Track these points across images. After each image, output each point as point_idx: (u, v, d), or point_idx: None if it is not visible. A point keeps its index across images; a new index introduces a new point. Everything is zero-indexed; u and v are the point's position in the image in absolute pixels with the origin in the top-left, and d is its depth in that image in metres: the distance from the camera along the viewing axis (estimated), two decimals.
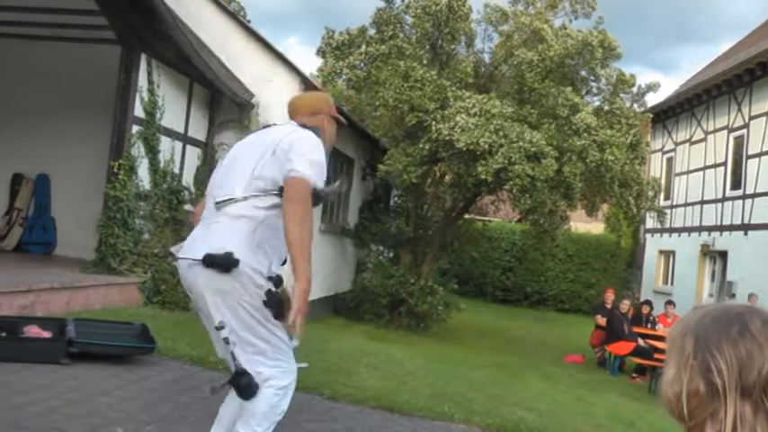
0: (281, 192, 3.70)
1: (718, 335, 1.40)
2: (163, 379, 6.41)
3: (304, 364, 4.17)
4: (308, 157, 3.71)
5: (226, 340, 3.68)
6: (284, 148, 3.73)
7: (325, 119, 4.16)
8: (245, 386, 3.73)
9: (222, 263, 3.59)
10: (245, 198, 3.71)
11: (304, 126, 3.95)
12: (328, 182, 3.92)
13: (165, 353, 7.12)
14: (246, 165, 3.81)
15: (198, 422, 5.26)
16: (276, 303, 3.70)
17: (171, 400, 5.81)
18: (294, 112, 4.20)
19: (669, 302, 16.67)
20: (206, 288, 3.68)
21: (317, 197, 3.68)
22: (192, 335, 8.28)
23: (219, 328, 3.67)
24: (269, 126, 4.20)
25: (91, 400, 5.46)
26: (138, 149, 11.24)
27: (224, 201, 3.74)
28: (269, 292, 3.68)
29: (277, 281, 3.73)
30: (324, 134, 4.04)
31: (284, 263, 3.89)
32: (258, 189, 3.73)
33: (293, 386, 3.90)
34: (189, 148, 12.76)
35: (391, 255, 17.91)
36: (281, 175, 3.69)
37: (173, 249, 4.05)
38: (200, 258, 3.62)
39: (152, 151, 11.57)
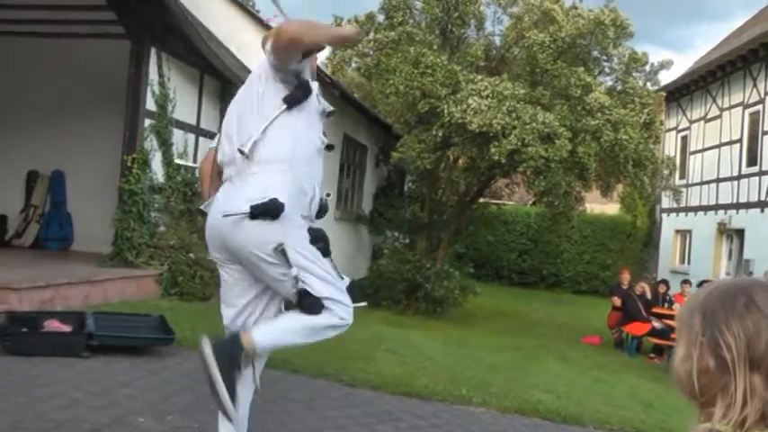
0: (287, 105, 3.66)
1: (724, 310, 1.42)
2: (182, 369, 6.46)
3: (363, 304, 4.18)
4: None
5: (295, 279, 3.66)
6: (265, 61, 3.70)
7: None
8: (311, 303, 3.71)
9: (270, 210, 3.54)
10: (264, 132, 3.63)
11: None
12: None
13: (183, 343, 7.16)
14: (248, 104, 3.75)
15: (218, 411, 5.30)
16: (322, 237, 3.76)
17: (191, 389, 5.85)
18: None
19: (685, 282, 16.60)
20: (254, 240, 3.61)
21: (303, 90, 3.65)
22: (211, 325, 8.32)
23: (279, 249, 3.60)
24: None
25: (112, 392, 5.51)
26: (151, 143, 11.28)
27: (245, 150, 3.62)
28: (311, 230, 3.73)
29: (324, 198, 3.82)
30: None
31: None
32: (266, 116, 3.66)
33: (346, 324, 3.84)
34: (201, 139, 12.79)
35: (407, 240, 17.92)
36: (275, 90, 3.66)
37: (203, 207, 3.96)
38: (246, 210, 3.54)
39: (165, 144, 11.62)
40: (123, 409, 5.13)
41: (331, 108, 3.94)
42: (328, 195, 4.13)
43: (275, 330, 3.78)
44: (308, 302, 3.73)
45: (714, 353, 1.40)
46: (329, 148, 3.96)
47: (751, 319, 1.39)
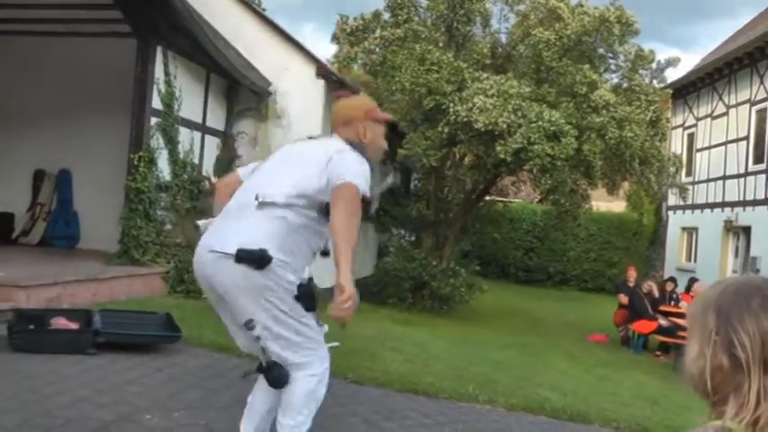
0: (320, 210, 3.74)
1: (739, 309, 1.41)
2: (189, 366, 6.48)
3: (335, 343, 4.22)
4: (354, 169, 3.69)
5: (257, 338, 3.73)
6: (331, 169, 3.71)
7: (360, 125, 4.07)
8: (277, 377, 3.83)
9: (256, 259, 3.56)
10: (286, 206, 3.70)
11: (350, 143, 3.94)
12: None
13: (190, 341, 7.18)
14: (292, 175, 3.79)
15: (225, 408, 5.31)
16: (309, 296, 3.77)
17: (198, 386, 5.87)
18: (333, 121, 4.20)
19: (693, 279, 16.59)
20: (234, 284, 3.64)
21: (365, 205, 3.67)
22: (217, 322, 8.34)
23: (250, 326, 3.69)
24: (313, 138, 4.20)
25: (118, 389, 5.53)
26: (157, 141, 11.31)
27: (265, 202, 3.68)
28: (300, 286, 3.74)
29: (308, 279, 3.84)
30: (362, 144, 4.01)
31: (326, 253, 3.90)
32: (299, 203, 3.73)
33: (327, 371, 3.96)
34: (208, 137, 12.82)
35: (413, 238, 17.91)
36: (325, 193, 3.69)
37: (200, 223, 4.02)
38: (232, 252, 3.57)
39: (171, 142, 11.65)
40: (130, 407, 5.15)
41: (387, 185, 3.99)
42: (393, 179, 4.21)
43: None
44: (273, 375, 3.85)
45: (728, 352, 1.40)
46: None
47: (766, 318, 1.39)
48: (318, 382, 3.90)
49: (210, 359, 6.86)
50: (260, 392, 4.12)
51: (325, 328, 3.99)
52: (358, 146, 3.94)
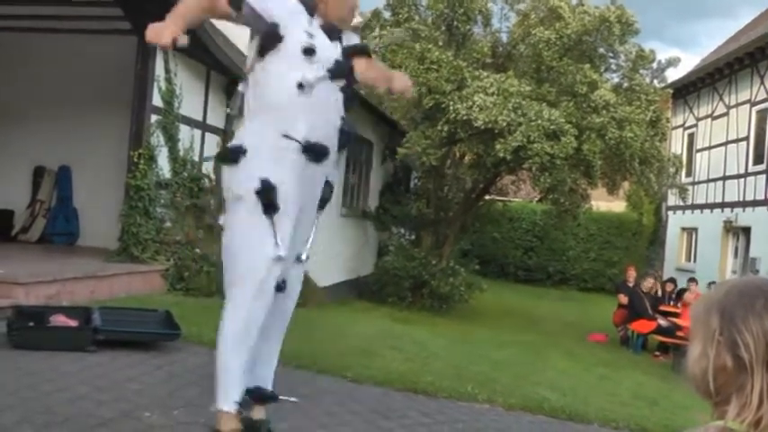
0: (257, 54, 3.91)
1: (743, 309, 1.41)
2: (188, 364, 6.47)
3: (293, 399, 4.87)
4: None
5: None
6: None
7: None
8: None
9: (225, 157, 4.01)
10: (246, 84, 4.08)
11: None
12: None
13: (189, 339, 7.17)
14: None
15: None
16: (268, 189, 3.84)
17: (197, 384, 5.86)
18: None
19: (692, 280, 16.60)
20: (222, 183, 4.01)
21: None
22: (217, 320, 8.34)
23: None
24: None
25: (118, 387, 5.52)
26: (158, 138, 11.30)
27: (236, 102, 4.13)
28: (264, 180, 3.87)
29: None
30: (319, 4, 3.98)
31: None
32: (247, 67, 4.10)
33: (256, 303, 4.00)
34: (208, 135, 12.80)
35: (413, 237, 17.94)
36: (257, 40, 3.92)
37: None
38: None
39: (171, 140, 11.63)
40: (130, 404, 5.15)
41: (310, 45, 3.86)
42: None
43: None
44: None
45: (732, 352, 1.40)
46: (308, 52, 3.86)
47: None
48: (231, 320, 4.10)
49: (210, 357, 6.80)
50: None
51: (304, 255, 4.19)
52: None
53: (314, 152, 3.80)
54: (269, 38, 3.77)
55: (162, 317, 7.40)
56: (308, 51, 3.77)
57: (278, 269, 3.79)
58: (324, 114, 3.85)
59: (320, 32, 3.91)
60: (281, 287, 3.93)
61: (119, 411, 4.97)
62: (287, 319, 4.31)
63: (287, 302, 4.17)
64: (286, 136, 3.73)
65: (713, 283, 16.15)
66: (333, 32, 3.96)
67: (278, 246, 3.71)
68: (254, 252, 3.72)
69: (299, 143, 3.75)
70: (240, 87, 3.92)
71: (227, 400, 3.95)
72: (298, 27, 3.81)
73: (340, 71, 3.89)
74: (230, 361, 3.93)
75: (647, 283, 15.47)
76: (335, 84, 3.91)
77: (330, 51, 3.90)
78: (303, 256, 4.11)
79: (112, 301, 8.74)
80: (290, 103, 3.74)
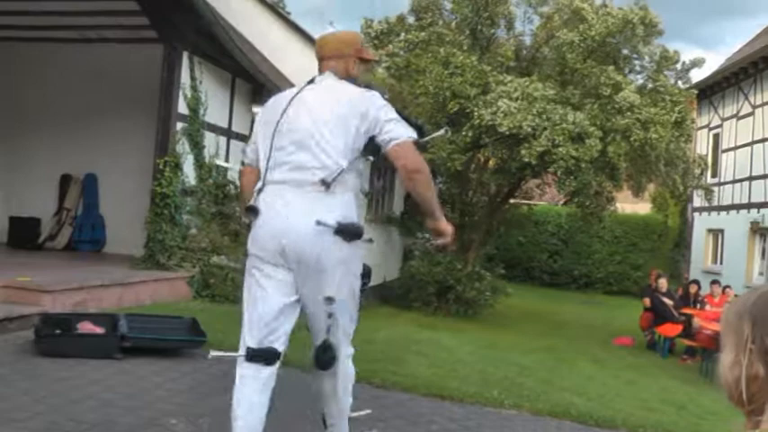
0: (359, 156, 3.85)
1: None
2: (214, 371, 6.48)
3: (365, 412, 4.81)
4: (392, 116, 3.84)
5: (330, 315, 3.81)
6: (371, 122, 3.80)
7: (350, 60, 4.12)
8: (330, 359, 3.90)
9: (353, 232, 3.74)
10: (345, 172, 3.76)
11: (347, 78, 4.05)
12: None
13: (215, 345, 7.17)
14: (336, 134, 3.80)
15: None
16: (369, 273, 4.06)
17: (223, 392, 5.85)
18: (320, 52, 4.22)
19: (714, 282, 16.48)
20: (329, 256, 3.73)
21: (420, 147, 3.94)
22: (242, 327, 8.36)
23: (330, 301, 3.78)
24: (314, 83, 4.12)
25: (144, 394, 5.55)
26: (183, 146, 11.37)
27: (326, 180, 3.74)
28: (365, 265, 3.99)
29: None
30: (351, 78, 4.09)
31: None
32: (349, 164, 3.78)
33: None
34: (233, 142, 12.86)
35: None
36: (362, 139, 3.81)
37: (246, 216, 4.02)
38: (333, 224, 3.68)
39: (197, 147, 11.70)
40: (156, 411, 5.17)
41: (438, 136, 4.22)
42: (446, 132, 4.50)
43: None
44: (328, 356, 3.89)
45: (765, 360, 1.37)
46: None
47: None
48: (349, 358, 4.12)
49: (235, 364, 6.86)
50: (266, 391, 4.05)
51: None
52: (352, 81, 4.05)
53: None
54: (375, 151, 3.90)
55: (188, 324, 7.43)
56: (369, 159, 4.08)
57: None
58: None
59: None
60: None
61: (145, 419, 4.99)
62: None
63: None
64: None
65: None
66: None
67: None
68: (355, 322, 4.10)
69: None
70: (341, 160, 3.81)
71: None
72: None
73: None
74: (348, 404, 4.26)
75: (662, 285, 15.38)
76: None
77: None
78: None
79: (139, 308, 8.79)
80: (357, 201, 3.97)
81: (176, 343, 7.04)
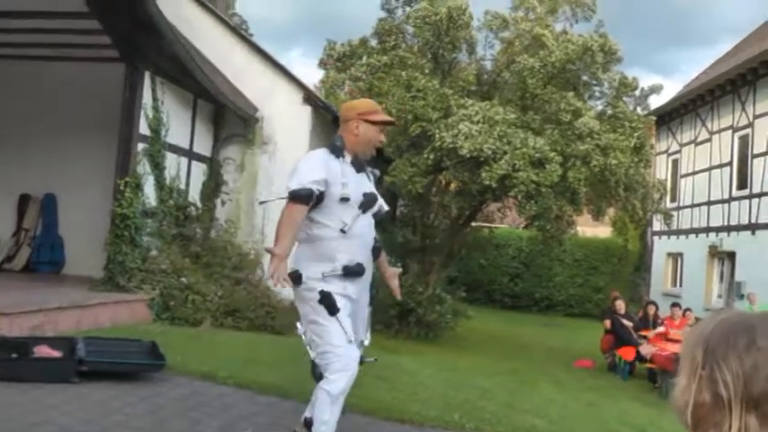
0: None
1: (726, 347, 1.40)
2: (173, 395, 6.44)
3: (371, 359, 5.35)
4: (290, 177, 4.74)
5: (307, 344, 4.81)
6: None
7: (351, 125, 4.90)
8: (313, 373, 4.79)
9: (293, 278, 4.67)
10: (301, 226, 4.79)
11: (335, 139, 4.96)
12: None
13: (174, 369, 7.14)
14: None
15: None
16: (327, 302, 4.64)
17: (182, 415, 5.83)
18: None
19: (674, 305, 16.67)
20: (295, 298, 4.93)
21: (297, 196, 4.63)
22: (202, 350, 8.32)
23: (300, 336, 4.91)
24: None
25: (102, 418, 5.49)
26: (144, 167, 11.30)
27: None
28: (321, 292, 4.62)
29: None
30: (347, 140, 4.89)
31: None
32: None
33: (347, 372, 4.63)
34: (194, 163, 12.82)
35: (399, 264, 17.90)
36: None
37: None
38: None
39: (158, 168, 11.64)
40: None
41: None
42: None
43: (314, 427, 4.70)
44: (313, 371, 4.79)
45: (712, 389, 1.38)
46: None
47: (751, 358, 1.37)
48: (333, 382, 4.58)
49: (195, 388, 6.82)
50: None
51: (366, 341, 5.19)
52: (339, 140, 4.89)
53: (352, 273, 4.79)
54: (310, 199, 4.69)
55: (147, 347, 7.36)
56: (344, 200, 4.73)
57: (356, 347, 4.78)
58: (360, 242, 4.87)
59: (350, 169, 4.87)
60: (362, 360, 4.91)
61: None
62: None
63: None
64: (332, 268, 4.72)
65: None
66: (359, 165, 4.96)
67: (347, 333, 4.66)
68: (337, 340, 4.63)
69: (341, 271, 4.73)
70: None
71: None
72: (336, 182, 4.72)
73: (369, 204, 4.93)
74: (331, 418, 4.63)
75: (620, 306, 15.55)
76: (368, 213, 4.94)
77: (359, 185, 4.88)
78: (365, 342, 5.24)
79: (97, 331, 8.69)
80: (335, 242, 4.75)
81: (135, 367, 6.96)
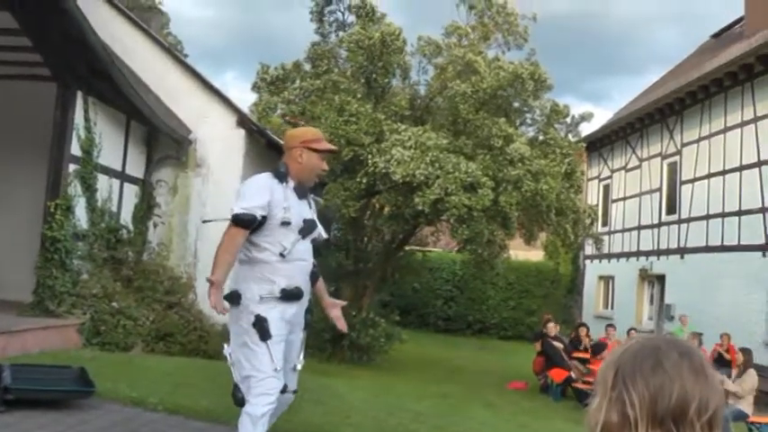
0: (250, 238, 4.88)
1: (633, 369, 1.48)
2: (102, 423, 6.36)
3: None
4: (238, 199, 4.85)
5: (232, 365, 4.86)
6: None
7: (295, 152, 5.03)
8: (234, 398, 4.84)
9: (232, 297, 4.82)
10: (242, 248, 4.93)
11: (279, 167, 5.07)
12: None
13: (104, 395, 7.04)
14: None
15: None
16: (260, 327, 4.71)
17: None
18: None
19: (610, 326, 16.97)
20: (229, 320, 5.04)
21: (240, 220, 4.76)
22: (132, 376, 8.22)
23: (228, 357, 4.91)
24: None
25: None
26: (75, 188, 11.14)
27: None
28: (257, 316, 4.72)
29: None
30: (291, 167, 5.02)
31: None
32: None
33: (268, 398, 4.69)
34: (126, 185, 12.69)
35: (332, 288, 17.87)
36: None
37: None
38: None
39: (89, 190, 11.49)
40: None
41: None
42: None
43: None
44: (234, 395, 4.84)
45: (620, 409, 1.46)
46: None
47: (656, 380, 1.45)
48: (256, 405, 4.66)
49: (125, 414, 6.74)
50: None
51: (299, 365, 5.21)
52: (283, 166, 5.02)
53: (290, 297, 4.87)
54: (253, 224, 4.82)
55: (76, 373, 7.24)
56: (285, 224, 4.85)
57: (281, 376, 4.78)
58: (299, 266, 4.95)
59: (292, 195, 4.98)
60: (285, 389, 4.88)
61: None
62: (286, 405, 5.29)
63: (287, 397, 5.10)
64: (270, 290, 4.81)
65: (632, 329, 16.59)
66: (301, 191, 5.07)
67: (274, 362, 4.72)
68: (262, 366, 4.70)
69: (279, 293, 4.82)
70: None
71: None
72: (279, 206, 4.84)
73: (308, 230, 5.02)
74: None
75: (551, 329, 15.79)
76: (307, 239, 5.02)
77: (300, 211, 4.99)
78: (298, 366, 5.23)
79: (25, 357, 8.52)
80: (274, 265, 4.85)
81: (63, 394, 6.84)
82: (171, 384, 8.15)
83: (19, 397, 6.36)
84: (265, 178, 4.97)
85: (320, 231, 5.27)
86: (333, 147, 5.61)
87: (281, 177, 4.96)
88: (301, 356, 5.32)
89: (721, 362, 14.36)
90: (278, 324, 4.77)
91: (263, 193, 4.82)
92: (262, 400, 4.65)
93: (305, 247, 5.04)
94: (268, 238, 4.84)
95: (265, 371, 4.68)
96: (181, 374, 9.01)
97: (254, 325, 4.69)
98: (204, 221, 9.43)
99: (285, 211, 4.85)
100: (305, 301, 5.13)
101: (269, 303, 4.78)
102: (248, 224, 4.74)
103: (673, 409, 1.43)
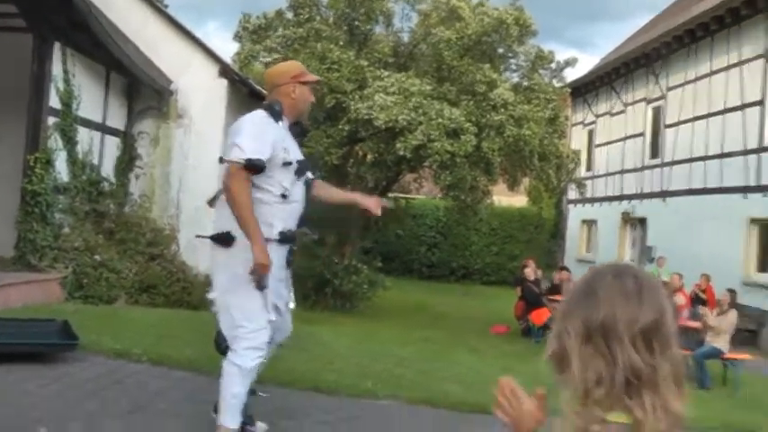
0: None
1: (573, 302, 1.67)
2: (87, 375, 6.39)
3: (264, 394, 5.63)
4: (236, 140, 4.54)
5: (215, 312, 4.75)
6: (228, 145, 4.67)
7: (287, 88, 4.84)
8: (217, 345, 4.80)
9: (224, 239, 4.61)
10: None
11: (271, 104, 4.82)
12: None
13: (88, 348, 7.06)
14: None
15: (122, 416, 5.29)
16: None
17: (96, 395, 5.80)
18: (266, 87, 5.14)
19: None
20: (212, 262, 4.97)
21: (253, 166, 4.47)
22: (116, 328, 8.25)
23: (211, 302, 4.82)
24: None
25: (13, 402, 5.42)
26: (56, 142, 11.04)
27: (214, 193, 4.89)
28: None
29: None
30: (285, 103, 4.81)
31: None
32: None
33: (258, 352, 4.63)
34: (107, 137, 12.59)
35: (316, 236, 17.92)
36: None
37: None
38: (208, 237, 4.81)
39: (70, 143, 11.38)
40: (24, 419, 5.06)
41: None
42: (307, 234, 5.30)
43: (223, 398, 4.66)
44: (217, 342, 4.76)
45: (559, 339, 1.65)
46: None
47: (588, 305, 1.61)
48: (243, 356, 4.57)
49: (109, 366, 6.77)
50: None
51: (271, 315, 4.71)
52: (278, 104, 4.78)
53: (286, 240, 4.77)
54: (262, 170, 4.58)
55: (59, 326, 7.26)
56: (286, 164, 4.68)
57: (270, 328, 4.67)
58: (296, 208, 4.83)
59: (288, 134, 4.82)
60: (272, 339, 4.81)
61: (12, 428, 4.89)
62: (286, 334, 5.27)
63: (283, 335, 5.15)
64: (268, 233, 4.59)
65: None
66: (295, 129, 4.95)
67: (269, 313, 4.65)
68: (255, 318, 4.58)
69: (277, 236, 4.68)
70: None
71: (234, 420, 4.67)
72: (279, 147, 4.63)
73: (302, 170, 4.86)
74: (241, 390, 4.64)
75: (529, 273, 15.98)
76: (301, 180, 4.86)
77: (296, 150, 4.85)
78: (291, 305, 5.16)
79: (8, 311, 8.51)
80: (274, 207, 4.67)
81: (47, 347, 6.85)
82: (155, 336, 8.19)
83: (2, 351, 6.38)
84: (264, 117, 4.73)
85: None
86: (318, 77, 5.52)
87: (277, 116, 4.76)
88: (291, 294, 5.21)
89: (698, 301, 14.66)
90: (273, 271, 4.58)
91: (268, 134, 4.61)
92: (252, 354, 4.57)
93: (299, 189, 4.86)
94: (269, 179, 4.62)
95: (258, 321, 4.57)
96: (164, 326, 9.05)
97: (253, 272, 4.45)
98: (197, 237, 9.27)
99: (285, 151, 4.67)
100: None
101: (267, 247, 4.53)
102: (261, 170, 4.51)
103: (599, 328, 1.58)
